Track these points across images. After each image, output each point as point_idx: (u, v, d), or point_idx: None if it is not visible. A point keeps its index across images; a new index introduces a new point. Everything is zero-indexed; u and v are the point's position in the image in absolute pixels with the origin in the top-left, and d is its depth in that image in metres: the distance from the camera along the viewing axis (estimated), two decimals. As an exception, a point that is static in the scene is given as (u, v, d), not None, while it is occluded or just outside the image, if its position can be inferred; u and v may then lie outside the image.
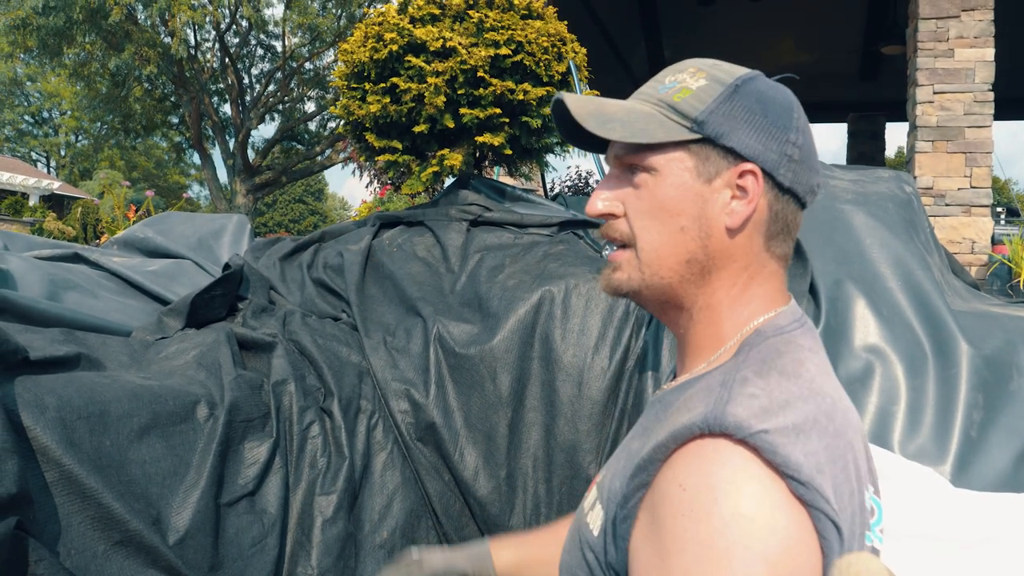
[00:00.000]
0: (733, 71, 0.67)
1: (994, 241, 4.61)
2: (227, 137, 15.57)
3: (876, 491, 0.62)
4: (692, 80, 0.66)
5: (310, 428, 1.39)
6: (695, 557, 0.51)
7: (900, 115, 5.09)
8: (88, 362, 1.32)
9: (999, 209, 5.61)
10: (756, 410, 0.55)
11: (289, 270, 1.96)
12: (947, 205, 4.52)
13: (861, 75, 8.09)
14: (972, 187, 4.54)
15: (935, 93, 4.52)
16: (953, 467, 1.43)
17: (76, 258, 1.97)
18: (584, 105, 0.66)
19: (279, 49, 16.34)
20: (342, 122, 2.14)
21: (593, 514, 0.66)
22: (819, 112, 10.00)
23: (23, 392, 1.09)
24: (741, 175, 0.64)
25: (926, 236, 1.99)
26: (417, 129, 1.96)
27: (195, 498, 1.18)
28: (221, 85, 15.89)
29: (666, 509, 0.54)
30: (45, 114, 26.79)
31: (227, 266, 1.78)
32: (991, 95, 4.50)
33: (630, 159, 0.66)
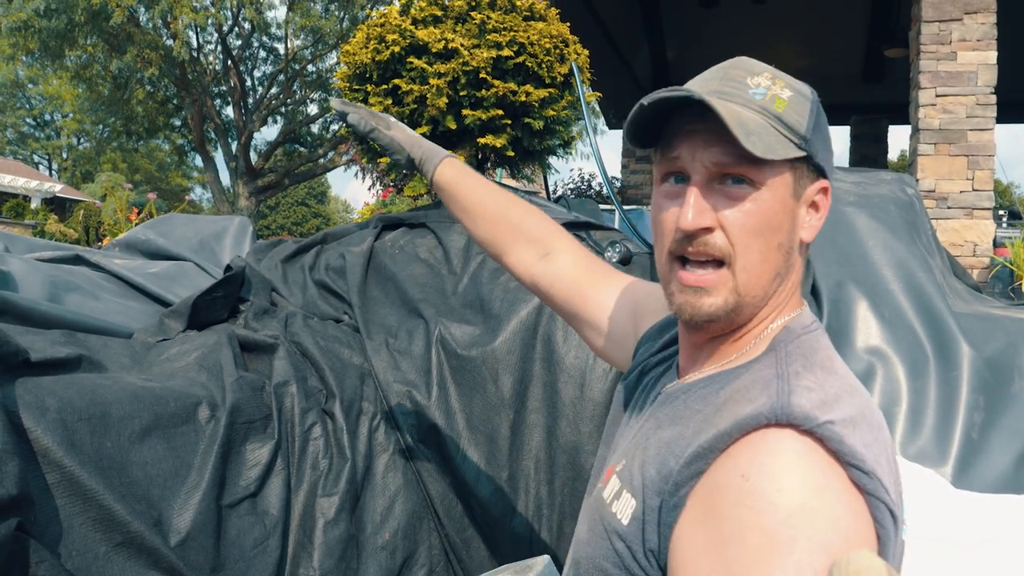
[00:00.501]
0: (799, 82, 0.68)
1: (996, 244, 4.61)
2: (229, 140, 15.59)
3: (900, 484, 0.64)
4: (778, 89, 0.65)
5: (312, 430, 1.39)
6: (756, 546, 0.51)
7: (903, 118, 5.10)
8: (89, 364, 1.32)
9: (1001, 212, 5.61)
10: (817, 402, 0.56)
11: (291, 272, 1.96)
12: (949, 208, 4.52)
13: (864, 78, 8.09)
14: (974, 190, 4.54)
15: (937, 96, 4.52)
16: (954, 468, 1.43)
17: (77, 260, 1.97)
18: (730, 112, 0.62)
19: (282, 51, 16.37)
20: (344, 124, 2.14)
21: (619, 503, 0.65)
22: (821, 114, 9.96)
23: (24, 394, 1.09)
24: (818, 191, 0.66)
25: (928, 238, 1.99)
26: (419, 131, 1.96)
27: (196, 499, 1.18)
28: (223, 87, 15.91)
29: (726, 498, 0.54)
30: (47, 117, 26.85)
31: (229, 268, 1.79)
32: (993, 98, 4.50)
33: (737, 170, 0.63)
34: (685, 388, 0.68)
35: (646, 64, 8.14)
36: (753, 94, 0.64)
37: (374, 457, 1.42)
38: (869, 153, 8.79)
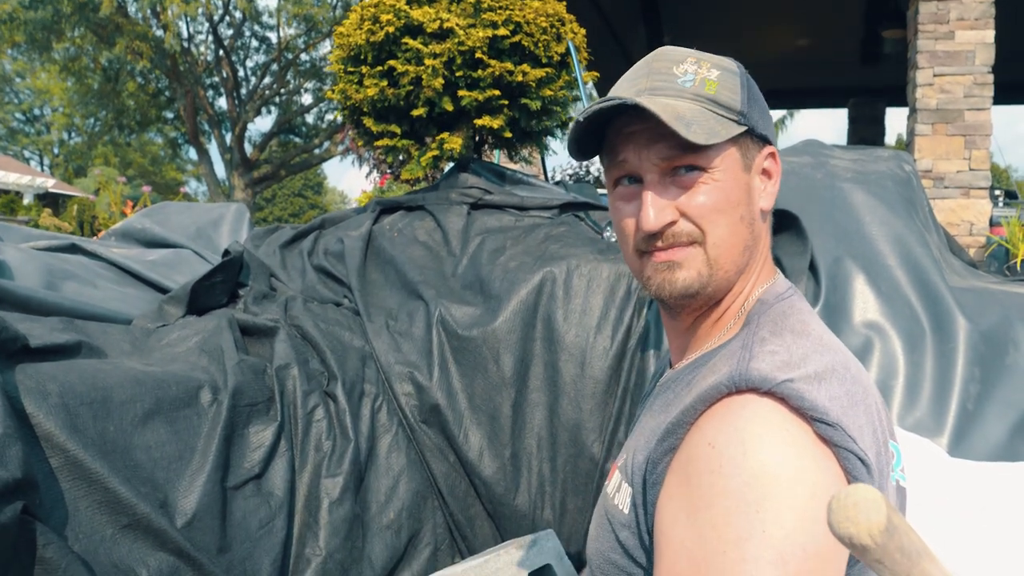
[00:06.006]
0: (723, 58, 0.69)
1: (992, 223, 4.62)
2: (223, 131, 15.48)
3: (893, 436, 0.64)
4: (705, 71, 0.66)
5: (314, 411, 1.39)
6: (724, 510, 0.52)
7: (901, 100, 5.09)
8: (89, 350, 1.32)
9: (997, 192, 5.61)
10: (779, 363, 0.57)
11: (290, 257, 1.96)
12: (946, 187, 4.52)
13: (862, 60, 8.05)
14: (971, 169, 4.55)
15: (935, 76, 4.51)
16: (950, 439, 1.45)
17: (73, 249, 1.96)
18: (665, 109, 0.63)
19: (274, 41, 16.21)
20: (339, 108, 2.13)
21: (620, 495, 0.67)
22: (819, 97, 9.95)
23: (24, 379, 1.09)
24: (766, 158, 0.69)
25: (925, 214, 1.99)
26: (415, 113, 1.95)
27: (201, 482, 1.19)
28: (216, 78, 15.77)
29: (696, 468, 0.56)
30: (36, 111, 26.59)
31: (227, 252, 1.78)
32: (991, 77, 4.49)
33: (685, 160, 0.64)
34: (675, 376, 0.70)
35: (643, 47, 8.08)
36: (683, 83, 0.66)
37: (377, 438, 1.42)
38: (867, 135, 8.77)
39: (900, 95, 5.05)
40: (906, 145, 4.85)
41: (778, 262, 1.64)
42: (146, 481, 1.14)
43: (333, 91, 2.08)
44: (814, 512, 0.51)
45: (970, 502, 1.27)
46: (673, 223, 0.65)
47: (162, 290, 1.85)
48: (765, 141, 0.69)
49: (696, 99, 0.65)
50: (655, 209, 0.64)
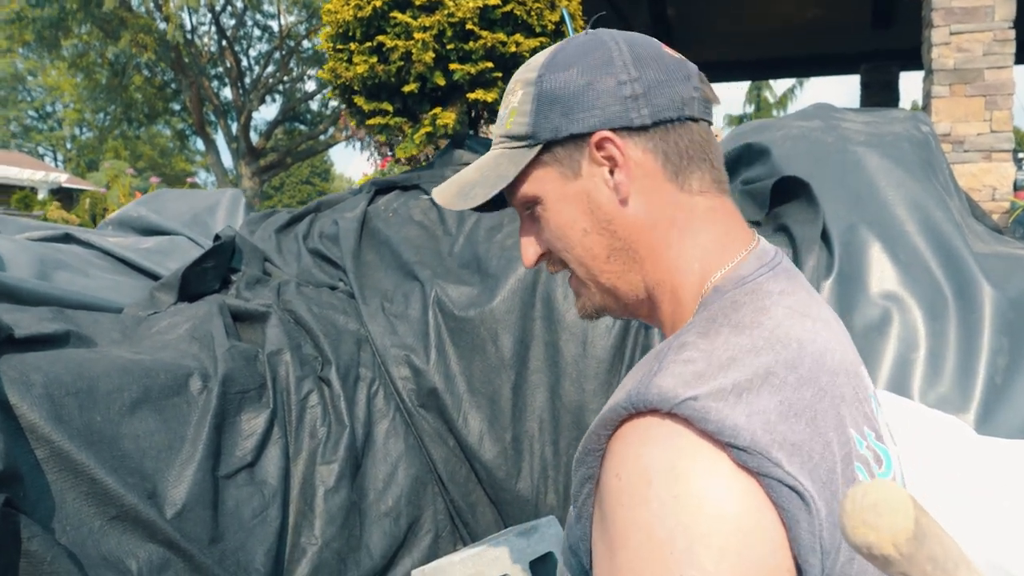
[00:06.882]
0: (536, 61, 0.65)
1: (1016, 187, 4.47)
2: (229, 121, 15.50)
3: (879, 437, 0.56)
4: (514, 97, 0.65)
5: (308, 397, 1.35)
6: (638, 548, 0.47)
7: (914, 64, 4.91)
8: (78, 339, 1.29)
9: (1021, 155, 5.44)
10: (687, 377, 0.49)
11: (285, 242, 1.92)
12: (966, 151, 4.36)
13: (874, 23, 7.81)
14: (992, 131, 4.38)
15: (952, 34, 4.33)
16: (977, 414, 1.37)
17: (67, 239, 1.93)
18: (446, 190, 0.68)
19: (276, 29, 16.15)
20: (331, 87, 2.07)
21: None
22: (830, 64, 9.70)
23: (8, 370, 1.06)
24: (598, 148, 0.60)
25: (945, 177, 1.90)
26: (407, 89, 1.89)
27: (191, 471, 1.16)
28: (220, 68, 15.77)
29: (609, 502, 0.50)
30: (48, 108, 26.79)
31: (218, 238, 1.74)
32: (1012, 33, 4.30)
33: (516, 203, 0.66)
34: None
35: (644, 13, 7.85)
36: (501, 119, 0.66)
37: (374, 423, 1.39)
38: (880, 102, 8.54)
39: (915, 58, 4.86)
40: (922, 108, 4.70)
41: (788, 231, 1.57)
42: (134, 471, 1.11)
43: (323, 69, 2.02)
44: (739, 544, 0.45)
45: (999, 483, 1.20)
46: (545, 254, 0.67)
47: (156, 278, 1.82)
48: (586, 135, 0.60)
49: (500, 142, 0.66)
50: (522, 248, 0.68)
